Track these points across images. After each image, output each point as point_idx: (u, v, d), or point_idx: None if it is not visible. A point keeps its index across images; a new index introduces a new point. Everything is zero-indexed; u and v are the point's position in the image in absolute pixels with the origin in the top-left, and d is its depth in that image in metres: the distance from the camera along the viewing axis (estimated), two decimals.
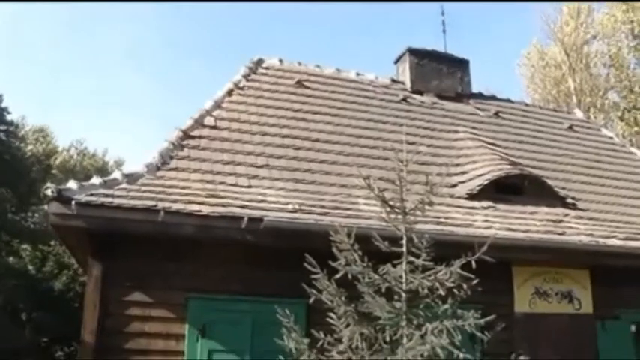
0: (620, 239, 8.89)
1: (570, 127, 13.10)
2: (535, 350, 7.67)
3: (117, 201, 6.63)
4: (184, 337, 6.96)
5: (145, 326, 6.91)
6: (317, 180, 8.51)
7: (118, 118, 55.40)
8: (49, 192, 6.43)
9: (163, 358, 6.91)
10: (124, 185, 7.06)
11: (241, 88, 10.16)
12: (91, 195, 6.59)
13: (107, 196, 6.68)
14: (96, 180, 6.99)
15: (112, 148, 55.80)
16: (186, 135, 8.50)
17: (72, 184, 6.67)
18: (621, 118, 26.77)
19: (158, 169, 7.70)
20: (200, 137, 8.62)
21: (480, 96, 12.95)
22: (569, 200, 9.97)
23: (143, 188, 7.09)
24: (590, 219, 9.62)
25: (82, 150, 31.53)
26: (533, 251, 8.15)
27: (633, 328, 9.20)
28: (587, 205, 10.16)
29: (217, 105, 9.46)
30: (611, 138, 13.66)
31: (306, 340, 5.24)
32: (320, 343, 5.29)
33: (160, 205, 6.71)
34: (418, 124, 10.91)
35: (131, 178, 7.27)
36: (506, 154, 10.55)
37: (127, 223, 6.63)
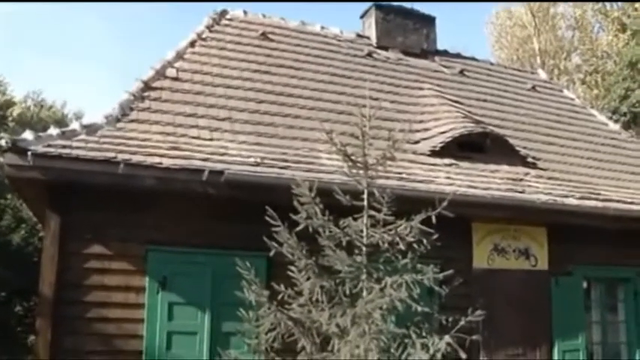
0: (577, 199, 9.08)
1: (533, 88, 13.21)
2: (492, 305, 7.83)
3: (75, 152, 6.48)
4: (144, 289, 6.93)
5: (105, 279, 6.85)
6: (279, 133, 8.44)
7: (78, 69, 53.96)
8: (3, 142, 6.25)
9: (123, 310, 6.88)
10: (83, 136, 6.89)
11: (204, 40, 9.95)
12: (48, 146, 6.43)
13: (65, 147, 6.52)
14: (53, 131, 6.80)
15: (72, 101, 54.40)
16: (147, 86, 8.32)
17: (28, 135, 6.48)
18: (583, 81, 27.14)
19: (118, 120, 7.54)
20: (161, 89, 8.44)
21: (445, 53, 12.93)
22: (529, 159, 10.11)
23: (102, 140, 6.93)
24: (550, 178, 9.78)
25: (39, 101, 30.68)
26: (493, 208, 8.28)
27: (585, 284, 9.50)
28: (547, 164, 10.32)
29: (179, 56, 9.26)
30: (572, 99, 13.82)
31: (266, 293, 5.26)
32: (280, 296, 5.31)
33: (120, 156, 6.59)
34: (382, 79, 10.87)
35: (90, 129, 7.09)
36: (469, 112, 10.60)
37: (86, 175, 6.50)
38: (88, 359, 6.63)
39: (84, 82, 52.04)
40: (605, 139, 12.20)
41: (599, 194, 9.51)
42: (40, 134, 6.64)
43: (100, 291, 6.81)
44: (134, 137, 7.21)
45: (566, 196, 9.03)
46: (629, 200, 9.63)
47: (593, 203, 9.07)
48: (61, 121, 25.30)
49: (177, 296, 6.99)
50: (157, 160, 6.74)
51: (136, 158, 6.66)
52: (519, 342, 8.72)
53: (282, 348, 5.34)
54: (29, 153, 6.22)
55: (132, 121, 7.64)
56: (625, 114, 19.93)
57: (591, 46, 26.99)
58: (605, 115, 15.46)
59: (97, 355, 6.67)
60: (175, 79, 8.75)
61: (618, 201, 9.44)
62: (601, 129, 12.66)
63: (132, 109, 7.81)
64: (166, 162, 6.75)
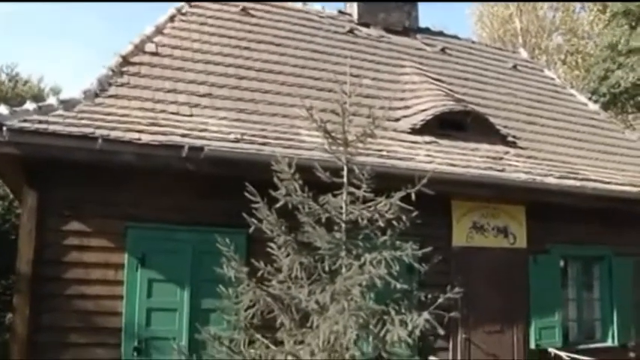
0: (556, 178, 9.15)
1: (514, 67, 13.25)
2: (470, 282, 7.92)
3: (52, 127, 6.38)
4: (123, 266, 6.91)
5: (84, 256, 6.82)
6: (260, 110, 8.40)
7: (55, 45, 53.03)
8: None
9: (102, 287, 6.86)
10: (60, 112, 6.79)
11: (184, 15, 9.84)
12: (24, 121, 6.32)
13: (42, 122, 6.42)
14: (29, 105, 6.69)
15: (49, 76, 53.30)
16: (125, 61, 8.22)
17: (3, 109, 6.35)
18: (564, 61, 27.24)
19: (96, 95, 7.44)
20: (140, 64, 8.34)
21: (427, 31, 12.91)
22: (510, 138, 10.16)
23: (80, 115, 6.84)
24: (529, 157, 9.84)
25: (13, 76, 30.05)
26: (472, 187, 8.32)
27: (562, 262, 9.62)
28: (527, 143, 10.38)
29: (159, 31, 9.16)
30: (553, 79, 13.89)
31: (245, 270, 5.23)
32: (260, 272, 5.29)
33: (98, 132, 6.51)
34: (364, 56, 10.83)
35: (67, 104, 6.99)
36: (450, 90, 10.61)
37: (63, 151, 6.41)
38: (66, 336, 6.62)
39: (60, 59, 51.12)
40: (584, 120, 12.29)
41: (577, 174, 9.60)
42: (16, 109, 6.52)
43: (79, 268, 6.79)
44: (113, 113, 7.13)
45: (545, 175, 9.10)
46: (606, 180, 9.74)
47: (571, 182, 9.15)
48: (37, 97, 24.81)
49: (157, 273, 6.97)
50: (135, 136, 6.67)
51: (114, 134, 6.58)
52: (497, 319, 8.84)
53: (262, 324, 5.34)
54: (4, 128, 6.11)
55: (110, 96, 7.55)
56: (604, 95, 20.05)
57: (572, 26, 27.07)
58: (585, 95, 15.57)
59: (76, 331, 6.66)
60: (155, 54, 8.64)
61: (596, 180, 9.53)
62: (581, 109, 12.76)
63: (110, 85, 7.72)
64: (145, 138, 6.68)
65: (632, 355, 9.94)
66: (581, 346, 9.48)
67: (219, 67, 8.95)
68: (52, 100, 7.06)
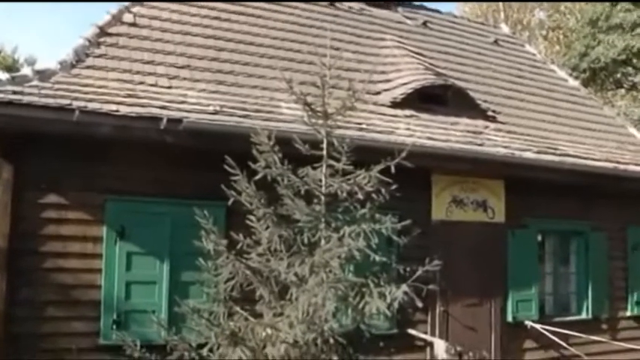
0: (535, 153, 9.22)
1: (496, 42, 13.24)
2: (449, 256, 7.97)
3: (27, 99, 6.25)
4: (102, 239, 6.86)
5: (61, 229, 6.76)
6: (239, 82, 8.31)
7: (30, 15, 51.95)
8: None
9: (80, 261, 6.82)
10: (35, 82, 6.64)
11: None
12: None
13: (16, 93, 6.28)
14: (3, 76, 6.56)
15: (23, 46, 52.12)
16: (103, 32, 8.06)
17: None
18: (545, 37, 27.32)
19: (73, 66, 7.30)
20: (118, 35, 8.19)
21: (408, 5, 12.86)
22: (489, 113, 10.19)
23: (56, 86, 6.71)
24: (509, 132, 9.88)
25: None
26: (451, 160, 8.36)
27: (539, 237, 9.74)
28: (506, 118, 10.41)
29: (137, 1, 8.98)
30: (534, 54, 13.91)
31: (224, 242, 5.22)
32: (239, 245, 5.28)
33: (75, 104, 6.40)
34: (344, 29, 10.74)
35: (43, 75, 6.84)
36: (431, 64, 10.58)
37: (39, 123, 6.30)
38: (44, 310, 6.59)
39: (35, 29, 50.03)
40: (564, 95, 12.36)
41: (556, 149, 9.68)
42: None
43: (57, 241, 6.73)
44: (90, 84, 7.01)
45: (524, 150, 9.17)
46: (585, 155, 9.84)
47: (550, 157, 9.22)
48: (11, 67, 24.37)
49: (136, 246, 6.94)
50: (113, 107, 6.58)
51: (92, 105, 6.48)
52: (475, 292, 8.95)
53: (241, 297, 5.34)
54: None
55: (87, 67, 7.41)
56: (585, 71, 20.19)
57: (555, 2, 27.08)
58: (566, 71, 15.61)
59: (54, 305, 6.63)
60: (133, 24, 8.49)
61: (575, 156, 9.62)
62: (561, 85, 12.81)
63: (87, 56, 7.57)
64: (123, 110, 6.60)
65: (604, 326, 10.16)
66: (557, 319, 9.67)
67: (199, 39, 8.82)
68: (26, 71, 6.89)
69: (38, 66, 7.39)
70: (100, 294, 6.79)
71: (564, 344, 9.18)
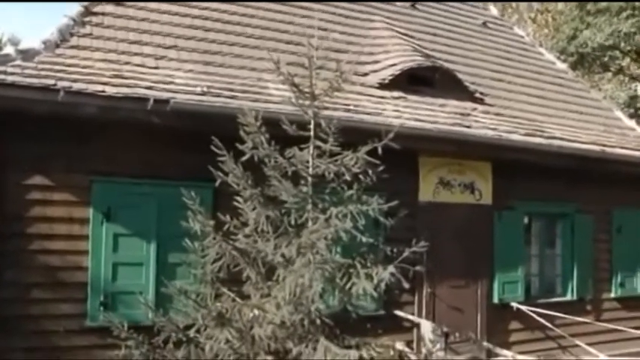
0: (522, 135, 9.24)
1: (484, 24, 13.21)
2: (436, 237, 8.00)
3: (10, 78, 6.17)
4: (88, 221, 6.83)
5: (47, 210, 6.71)
6: (227, 63, 8.25)
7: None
8: None
9: (67, 242, 6.78)
10: (19, 62, 6.54)
11: None
12: None
13: None
14: None
15: (6, 26, 51.27)
16: (88, 11, 7.95)
17: None
18: (534, 20, 27.27)
19: (57, 46, 7.20)
20: (104, 14, 8.09)
21: None
22: (477, 95, 10.18)
23: (40, 66, 6.63)
24: (496, 114, 9.89)
25: None
26: (439, 142, 8.37)
27: (526, 219, 9.80)
28: (494, 100, 10.42)
29: None
30: (522, 37, 13.88)
31: (211, 223, 5.21)
32: (226, 226, 5.29)
33: (60, 84, 6.33)
34: (333, 10, 10.66)
35: (27, 54, 6.75)
36: (419, 45, 10.55)
37: (23, 103, 6.23)
38: (31, 292, 6.56)
39: (18, 9, 49.22)
40: (552, 78, 12.37)
41: (543, 131, 9.70)
42: None
43: (43, 223, 6.68)
44: (75, 64, 6.93)
45: (512, 132, 9.19)
46: (571, 138, 9.87)
47: (537, 140, 9.25)
48: None
49: (123, 227, 6.91)
50: (99, 87, 6.51)
51: (77, 86, 6.41)
52: (462, 273, 9.01)
53: (228, 278, 5.37)
54: None
55: (72, 47, 7.32)
56: (572, 54, 20.20)
57: None
58: (554, 54, 15.60)
59: (41, 287, 6.60)
60: (119, 4, 8.39)
61: (562, 139, 9.66)
62: (549, 68, 12.82)
63: (72, 35, 7.47)
64: (109, 90, 6.53)
65: (589, 308, 10.28)
66: (542, 300, 9.76)
67: (186, 19, 8.73)
68: (9, 50, 6.80)
69: (22, 46, 7.29)
70: (86, 276, 6.76)
71: (550, 325, 9.26)
